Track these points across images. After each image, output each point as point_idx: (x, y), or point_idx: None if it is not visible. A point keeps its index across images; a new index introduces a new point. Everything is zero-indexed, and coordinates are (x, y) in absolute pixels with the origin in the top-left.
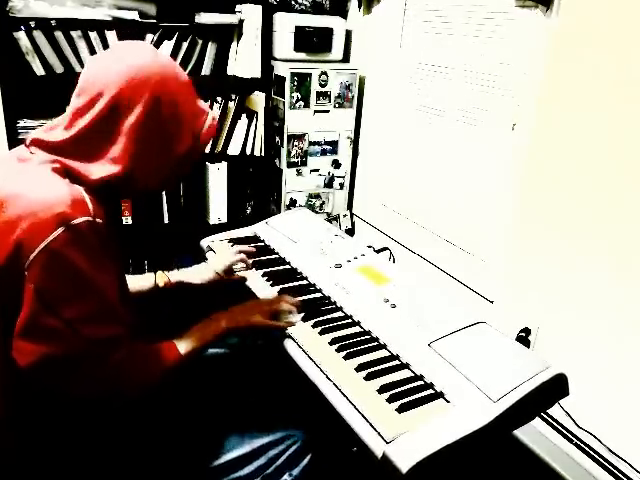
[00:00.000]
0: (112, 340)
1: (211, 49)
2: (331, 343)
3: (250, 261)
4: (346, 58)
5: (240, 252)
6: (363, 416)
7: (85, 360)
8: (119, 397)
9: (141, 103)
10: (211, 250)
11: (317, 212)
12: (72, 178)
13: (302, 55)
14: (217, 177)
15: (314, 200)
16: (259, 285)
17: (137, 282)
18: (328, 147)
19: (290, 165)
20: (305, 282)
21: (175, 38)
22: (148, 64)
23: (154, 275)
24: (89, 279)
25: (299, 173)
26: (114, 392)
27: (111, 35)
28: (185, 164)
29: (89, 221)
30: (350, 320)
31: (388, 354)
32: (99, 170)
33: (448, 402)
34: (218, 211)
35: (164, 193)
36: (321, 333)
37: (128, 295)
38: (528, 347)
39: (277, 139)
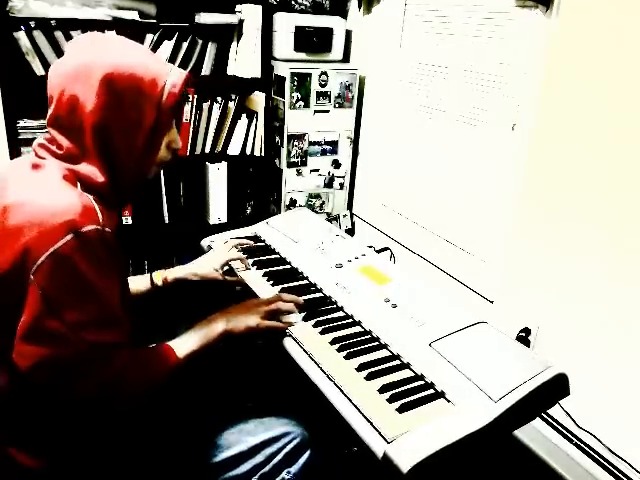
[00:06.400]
0: (113, 345)
1: (211, 49)
2: (332, 343)
3: (250, 261)
4: (346, 58)
5: (237, 246)
6: (364, 416)
7: (86, 364)
8: (118, 402)
9: (94, 88)
10: (211, 250)
11: (317, 212)
12: (84, 184)
13: (302, 55)
14: (217, 177)
15: (314, 200)
16: (260, 285)
17: (135, 283)
18: (328, 147)
19: (290, 165)
20: (306, 282)
21: (175, 38)
22: (94, 51)
23: (150, 276)
24: (94, 285)
25: (299, 173)
26: (114, 396)
27: None
28: (157, 139)
29: (98, 230)
30: (351, 320)
31: (389, 354)
32: (93, 170)
33: (449, 402)
34: (218, 211)
35: (164, 193)
36: (322, 333)
37: (129, 301)
38: (528, 347)
39: (277, 139)
